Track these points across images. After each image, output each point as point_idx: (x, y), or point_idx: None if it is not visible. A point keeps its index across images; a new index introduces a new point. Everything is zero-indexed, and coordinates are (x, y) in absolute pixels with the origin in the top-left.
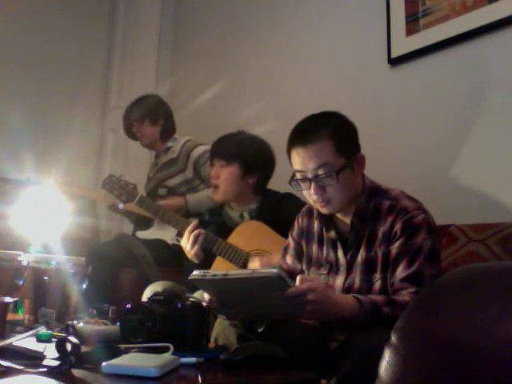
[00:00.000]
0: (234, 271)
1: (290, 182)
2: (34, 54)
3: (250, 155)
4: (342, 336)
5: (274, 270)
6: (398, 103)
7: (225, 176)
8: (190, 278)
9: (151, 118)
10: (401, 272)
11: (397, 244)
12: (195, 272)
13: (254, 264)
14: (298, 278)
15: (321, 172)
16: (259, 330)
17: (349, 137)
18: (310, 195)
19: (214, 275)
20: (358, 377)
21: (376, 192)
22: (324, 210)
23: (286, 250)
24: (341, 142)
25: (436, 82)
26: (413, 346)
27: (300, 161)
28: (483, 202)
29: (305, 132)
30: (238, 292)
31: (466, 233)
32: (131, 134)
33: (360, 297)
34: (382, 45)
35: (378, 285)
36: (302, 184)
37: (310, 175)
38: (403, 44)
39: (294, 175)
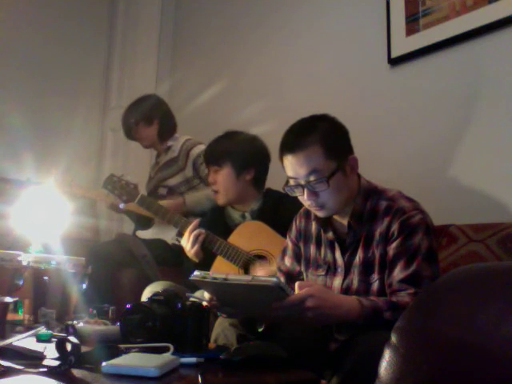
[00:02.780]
0: (234, 276)
1: (283, 188)
2: (34, 54)
3: (238, 153)
4: (341, 336)
5: (274, 279)
6: (398, 103)
7: (221, 180)
8: (190, 278)
9: (145, 119)
10: (399, 273)
11: (394, 245)
12: (196, 273)
13: (254, 272)
14: (297, 284)
15: (312, 178)
16: (259, 330)
17: (339, 140)
18: (304, 200)
19: (215, 278)
20: (358, 377)
21: (372, 192)
22: (319, 214)
23: (284, 251)
24: (330, 147)
25: (436, 82)
26: (413, 346)
27: (291, 168)
28: (483, 202)
29: (294, 138)
30: (237, 295)
31: (466, 233)
32: (131, 137)
33: (362, 300)
34: (382, 45)
35: (376, 285)
36: (295, 190)
37: (302, 181)
38: (403, 44)
39: (287, 181)
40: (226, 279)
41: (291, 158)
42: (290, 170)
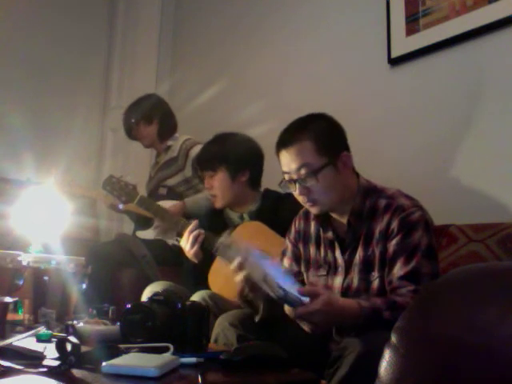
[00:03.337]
0: (272, 279)
1: (279, 184)
2: (34, 54)
3: (231, 155)
4: (341, 337)
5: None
6: (398, 103)
7: (216, 184)
8: (220, 240)
9: (145, 119)
10: (398, 270)
11: (394, 242)
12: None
13: None
14: (310, 288)
15: (302, 172)
16: (256, 320)
17: (332, 137)
18: (298, 196)
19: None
20: (357, 377)
21: (372, 191)
22: (313, 210)
23: (283, 253)
24: (322, 142)
25: (436, 81)
26: (413, 346)
27: (284, 162)
28: (483, 202)
29: (288, 135)
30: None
31: (466, 233)
32: (132, 136)
33: (361, 302)
34: (382, 45)
35: (376, 283)
36: (288, 185)
37: (294, 176)
38: (403, 44)
39: (284, 178)
40: (265, 276)
41: (285, 152)
42: (284, 164)
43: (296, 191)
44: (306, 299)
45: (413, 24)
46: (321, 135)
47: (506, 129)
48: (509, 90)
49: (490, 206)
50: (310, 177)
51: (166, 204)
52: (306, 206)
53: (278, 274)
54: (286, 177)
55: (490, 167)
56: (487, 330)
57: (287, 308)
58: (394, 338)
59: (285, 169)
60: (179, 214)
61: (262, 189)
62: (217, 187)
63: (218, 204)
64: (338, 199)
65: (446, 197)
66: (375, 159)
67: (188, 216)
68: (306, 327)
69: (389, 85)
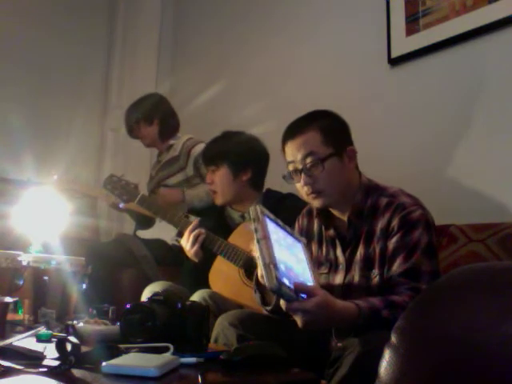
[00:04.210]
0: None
1: (283, 177)
2: (34, 54)
3: (235, 153)
4: (341, 336)
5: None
6: (398, 103)
7: (217, 180)
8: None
9: (146, 119)
10: (398, 267)
11: (394, 239)
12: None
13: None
14: (306, 286)
15: (308, 161)
16: (268, 308)
17: (338, 130)
18: (301, 188)
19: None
20: (358, 377)
21: (373, 189)
22: (316, 203)
23: None
24: (328, 133)
25: (436, 82)
26: (413, 346)
27: (290, 153)
28: (483, 202)
29: (294, 127)
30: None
31: (466, 233)
32: (133, 136)
33: (359, 303)
34: (382, 45)
35: (376, 280)
36: (293, 175)
37: (299, 165)
38: (403, 44)
39: (288, 168)
40: (269, 264)
41: (290, 143)
42: (289, 154)
43: (301, 181)
44: (304, 296)
45: (413, 24)
46: (327, 128)
47: (506, 129)
48: (509, 90)
49: (490, 206)
50: (316, 165)
51: (164, 191)
52: (310, 198)
53: (297, 265)
54: (291, 167)
55: (490, 167)
56: (487, 329)
57: (282, 301)
58: (394, 338)
59: (290, 158)
60: (175, 202)
61: (265, 189)
62: (217, 183)
63: (218, 200)
64: (341, 193)
65: (445, 197)
66: (375, 159)
67: (189, 212)
68: (298, 321)
69: (389, 85)
